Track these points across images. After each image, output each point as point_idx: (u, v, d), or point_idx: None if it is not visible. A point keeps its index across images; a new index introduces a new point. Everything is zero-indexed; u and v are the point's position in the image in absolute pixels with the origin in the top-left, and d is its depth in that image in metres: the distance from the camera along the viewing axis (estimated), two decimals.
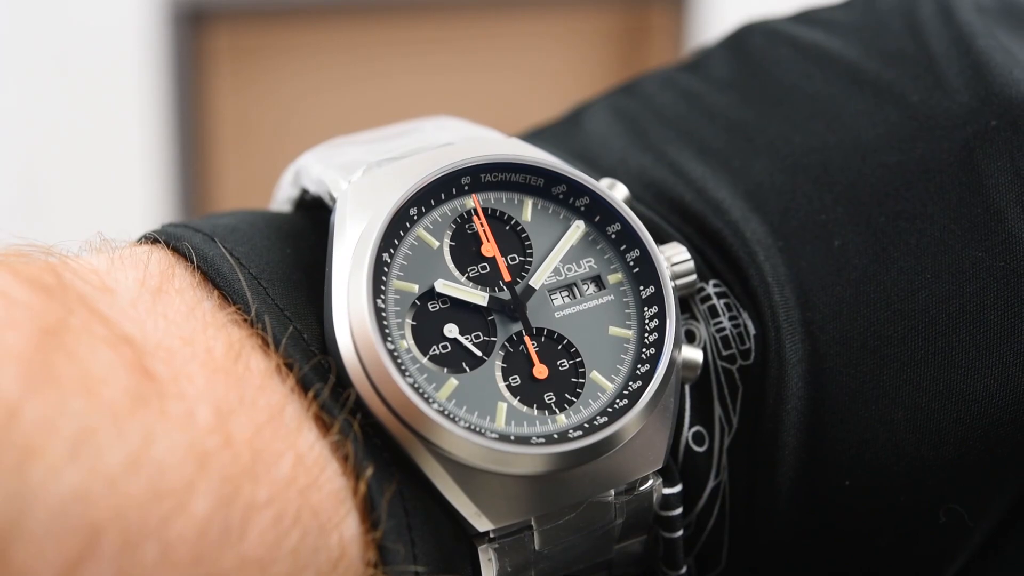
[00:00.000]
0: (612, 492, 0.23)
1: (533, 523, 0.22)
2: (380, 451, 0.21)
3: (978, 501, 0.23)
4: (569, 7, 0.91)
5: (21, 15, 0.90)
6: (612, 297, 0.24)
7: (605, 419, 0.22)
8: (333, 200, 0.23)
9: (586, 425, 0.22)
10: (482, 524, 0.22)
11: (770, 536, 0.24)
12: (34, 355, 0.18)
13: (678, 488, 0.24)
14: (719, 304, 0.24)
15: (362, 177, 0.23)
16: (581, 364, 0.23)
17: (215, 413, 0.20)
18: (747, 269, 0.24)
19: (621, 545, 0.23)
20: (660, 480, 0.23)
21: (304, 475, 0.20)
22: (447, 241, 0.23)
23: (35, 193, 0.93)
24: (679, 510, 0.24)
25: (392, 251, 0.23)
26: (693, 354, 0.24)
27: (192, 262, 0.22)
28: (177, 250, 0.23)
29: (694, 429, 0.24)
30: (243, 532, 0.19)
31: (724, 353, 0.25)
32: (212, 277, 0.22)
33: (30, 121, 0.92)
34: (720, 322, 0.25)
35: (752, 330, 0.24)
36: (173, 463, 0.19)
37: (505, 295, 0.23)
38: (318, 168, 0.24)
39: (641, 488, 0.23)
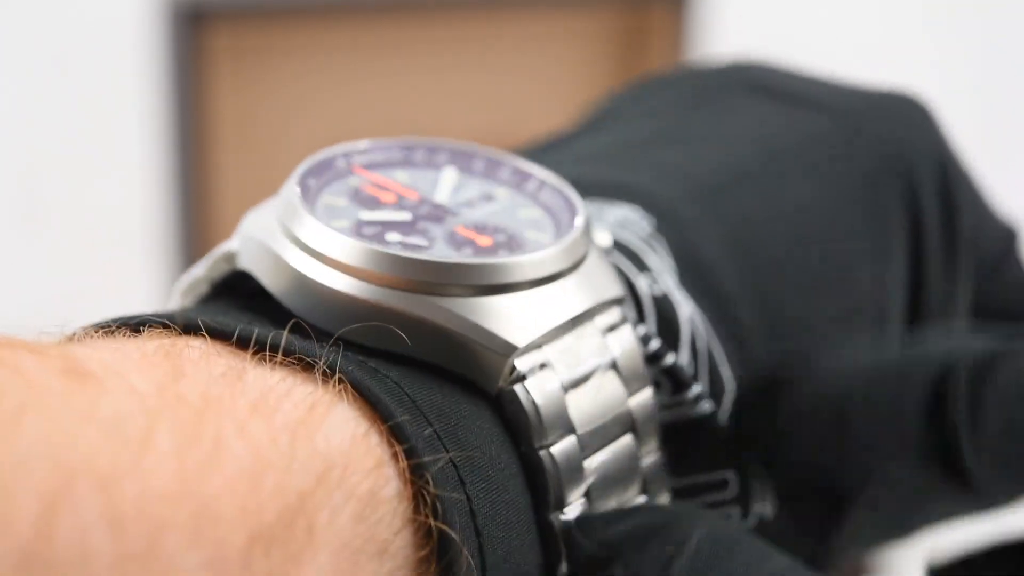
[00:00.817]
0: (595, 326, 0.23)
1: (548, 348, 0.22)
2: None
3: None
4: (569, 7, 0.91)
5: (20, 14, 0.91)
6: (511, 194, 0.25)
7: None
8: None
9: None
10: (511, 343, 0.21)
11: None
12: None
13: (649, 326, 0.24)
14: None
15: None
16: (517, 234, 0.24)
17: (158, 385, 0.19)
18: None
19: (632, 399, 0.23)
20: (626, 319, 0.23)
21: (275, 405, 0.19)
22: (350, 199, 0.24)
23: (34, 192, 0.93)
24: (657, 342, 0.24)
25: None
26: (602, 237, 0.25)
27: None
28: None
29: (643, 276, 0.25)
30: (219, 460, 0.18)
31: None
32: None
33: (29, 120, 0.92)
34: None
35: None
36: (127, 416, 0.18)
37: (425, 207, 0.24)
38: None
39: (617, 328, 0.23)
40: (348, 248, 0.22)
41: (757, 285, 0.25)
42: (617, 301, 0.23)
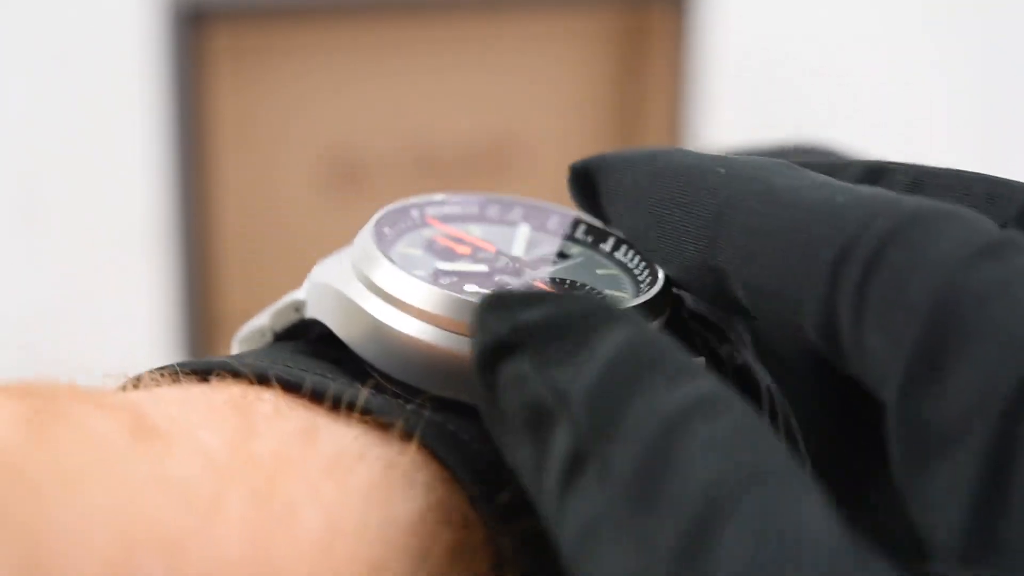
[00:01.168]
0: None
1: None
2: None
3: None
4: (569, 7, 0.91)
5: (20, 14, 0.90)
6: (587, 252, 0.25)
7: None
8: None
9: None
10: None
11: None
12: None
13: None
14: None
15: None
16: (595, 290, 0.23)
17: (228, 443, 0.18)
18: None
19: None
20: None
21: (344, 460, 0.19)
22: (425, 249, 0.24)
23: (34, 191, 0.93)
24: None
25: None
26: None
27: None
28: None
29: (725, 346, 0.24)
30: (291, 527, 0.17)
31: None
32: None
33: (29, 120, 0.92)
34: None
35: None
36: (196, 479, 0.17)
37: (502, 261, 0.24)
38: None
39: None
40: (428, 295, 0.22)
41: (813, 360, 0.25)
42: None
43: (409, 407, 0.20)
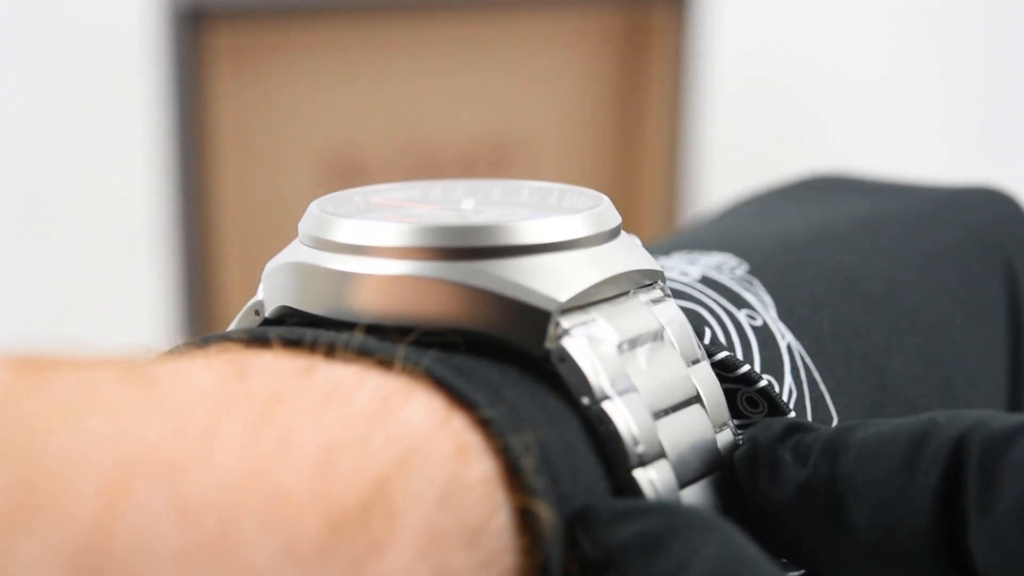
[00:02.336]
0: (639, 298, 0.22)
1: (594, 311, 0.21)
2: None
3: None
4: (569, 7, 0.91)
5: (19, 14, 0.91)
6: (535, 209, 0.25)
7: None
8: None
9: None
10: (553, 297, 0.21)
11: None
12: None
13: (745, 353, 0.23)
14: None
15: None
16: None
17: (222, 381, 0.19)
18: None
19: (691, 369, 0.22)
20: (668, 296, 0.23)
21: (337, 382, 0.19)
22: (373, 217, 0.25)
23: (34, 192, 0.93)
24: (747, 366, 0.23)
25: None
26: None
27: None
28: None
29: (744, 311, 0.24)
30: (290, 448, 0.18)
31: None
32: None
33: (28, 120, 0.92)
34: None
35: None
36: (191, 410, 0.18)
37: (449, 208, 0.25)
38: None
39: (661, 301, 0.23)
40: (383, 231, 0.22)
41: (846, 328, 0.25)
42: (658, 275, 0.23)
43: (403, 344, 0.21)
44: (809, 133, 1.10)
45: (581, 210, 0.23)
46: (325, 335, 0.21)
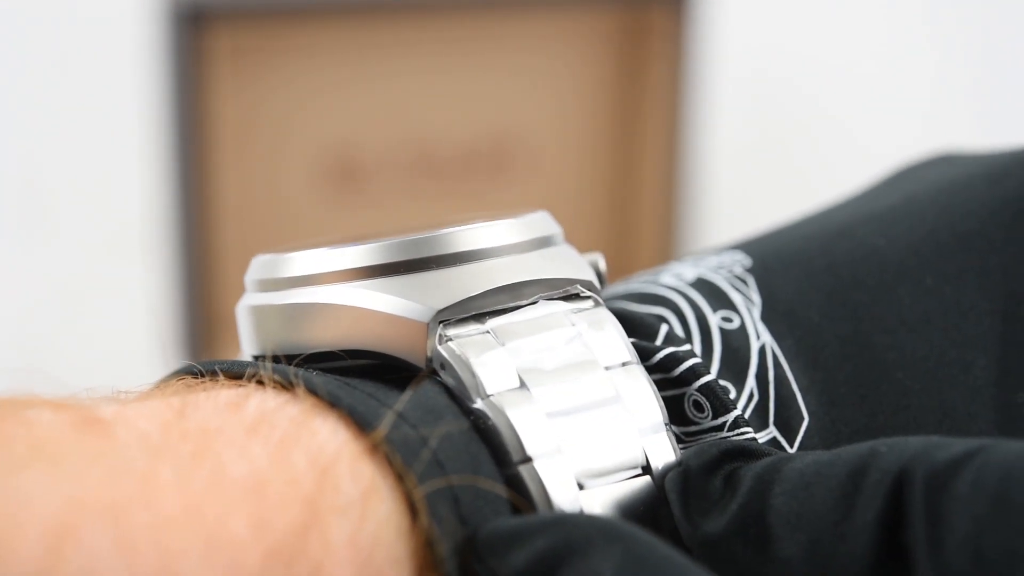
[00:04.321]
0: (560, 303, 0.22)
1: (492, 320, 0.21)
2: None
3: None
4: (569, 7, 0.91)
5: (19, 14, 0.90)
6: None
7: None
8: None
9: None
10: (429, 306, 0.21)
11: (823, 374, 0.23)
12: None
13: (697, 349, 0.23)
14: None
15: None
16: None
17: (160, 426, 0.20)
18: None
19: (603, 358, 0.22)
20: (598, 303, 0.22)
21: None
22: None
23: (33, 192, 0.93)
24: (695, 360, 0.22)
25: None
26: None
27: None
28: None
29: (720, 312, 0.24)
30: (221, 483, 0.18)
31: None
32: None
33: (28, 120, 0.92)
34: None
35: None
36: (131, 456, 0.18)
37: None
38: None
39: (586, 311, 0.22)
40: (292, 263, 0.23)
41: (845, 321, 0.24)
42: (582, 283, 0.23)
43: (299, 369, 0.21)
44: (809, 133, 1.10)
45: (495, 222, 0.23)
46: (257, 366, 0.21)
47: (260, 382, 0.21)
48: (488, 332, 0.21)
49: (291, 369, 0.21)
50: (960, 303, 0.24)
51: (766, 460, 0.20)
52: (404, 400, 0.20)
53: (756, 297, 0.24)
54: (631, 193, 0.96)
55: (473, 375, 0.21)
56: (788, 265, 0.25)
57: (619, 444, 0.21)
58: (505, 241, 0.23)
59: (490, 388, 0.21)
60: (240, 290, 0.25)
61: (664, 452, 0.21)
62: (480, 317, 0.22)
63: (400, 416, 0.20)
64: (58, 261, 0.94)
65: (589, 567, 0.17)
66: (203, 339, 0.85)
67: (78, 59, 0.92)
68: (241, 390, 0.21)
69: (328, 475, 0.19)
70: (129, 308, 0.95)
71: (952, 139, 1.16)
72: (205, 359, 0.24)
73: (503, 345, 0.21)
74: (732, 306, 0.24)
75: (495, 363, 0.21)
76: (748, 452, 0.21)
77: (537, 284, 0.22)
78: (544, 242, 0.23)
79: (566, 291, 0.23)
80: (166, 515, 0.17)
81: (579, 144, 0.95)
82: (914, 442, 0.19)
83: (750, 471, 0.20)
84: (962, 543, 0.17)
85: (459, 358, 0.21)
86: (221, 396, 0.21)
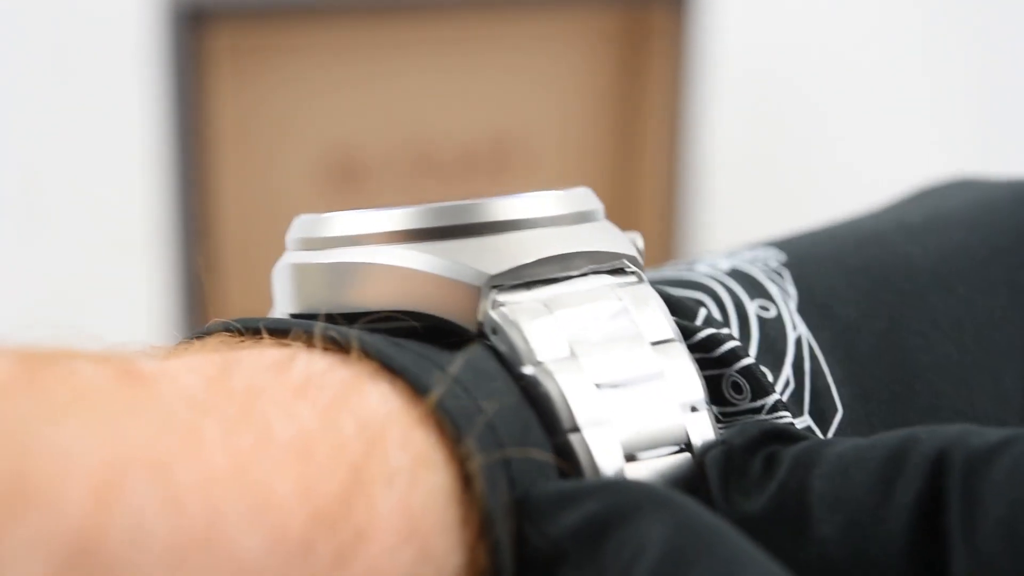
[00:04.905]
0: (606, 276, 0.22)
1: (540, 289, 0.22)
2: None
3: None
4: (569, 7, 0.91)
5: (18, 13, 0.90)
6: None
7: None
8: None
9: None
10: (482, 271, 0.21)
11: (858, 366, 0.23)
12: None
13: (735, 333, 0.23)
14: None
15: None
16: None
17: (205, 382, 0.19)
18: None
19: (649, 333, 0.22)
20: (642, 279, 0.23)
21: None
22: None
23: (33, 192, 0.93)
24: (734, 342, 0.23)
25: None
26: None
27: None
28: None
29: (757, 301, 0.24)
30: (267, 443, 0.18)
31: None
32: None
33: (27, 120, 0.92)
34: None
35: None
36: (174, 410, 0.18)
37: None
38: None
39: (631, 286, 0.22)
40: (337, 222, 0.23)
41: (879, 321, 0.24)
42: (627, 258, 0.23)
43: (359, 331, 0.21)
44: (809, 134, 1.10)
45: (541, 192, 0.23)
46: (304, 325, 0.21)
47: (306, 341, 0.21)
48: (538, 300, 0.22)
49: (347, 329, 0.21)
50: (992, 313, 0.25)
51: (805, 443, 0.20)
52: (457, 363, 0.20)
53: (792, 290, 0.25)
54: (631, 193, 0.96)
55: (525, 341, 0.21)
56: (823, 262, 0.25)
57: (663, 419, 0.21)
58: (554, 212, 0.23)
59: (541, 355, 0.21)
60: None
61: (704, 430, 0.21)
62: (530, 285, 0.22)
63: (455, 380, 0.20)
64: (57, 261, 0.94)
65: (638, 530, 0.18)
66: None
67: (78, 59, 0.92)
68: (287, 350, 0.21)
69: (377, 441, 0.19)
70: (129, 308, 0.95)
71: (953, 138, 1.17)
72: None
73: (552, 314, 0.21)
74: (769, 296, 0.24)
75: (546, 331, 0.21)
76: (788, 435, 0.21)
77: (585, 256, 0.22)
78: (589, 216, 0.24)
79: (612, 265, 0.23)
80: (212, 473, 0.17)
81: (579, 144, 0.95)
82: (952, 429, 0.19)
83: (790, 453, 0.20)
84: (996, 526, 0.17)
85: (512, 323, 0.21)
86: (267, 355, 0.20)
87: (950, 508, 0.18)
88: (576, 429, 0.20)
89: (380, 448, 0.19)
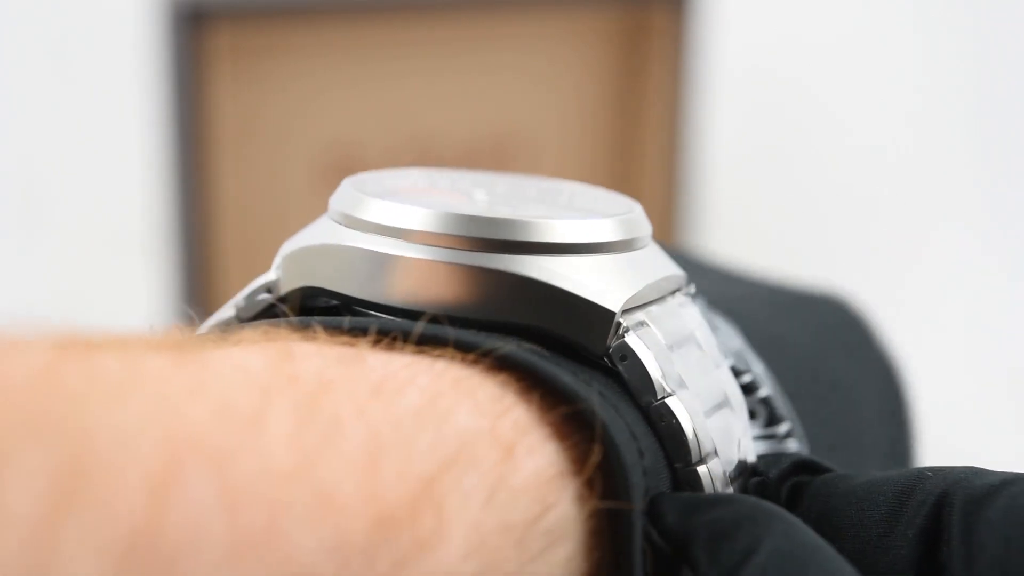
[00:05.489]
0: (675, 300, 0.23)
1: (641, 313, 0.22)
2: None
3: None
4: (569, 7, 0.91)
5: (18, 13, 0.90)
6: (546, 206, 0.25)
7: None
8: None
9: None
10: (616, 296, 0.21)
11: None
12: None
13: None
14: None
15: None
16: None
17: (268, 363, 0.18)
18: None
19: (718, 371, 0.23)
20: (694, 300, 0.23)
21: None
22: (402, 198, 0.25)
23: (32, 193, 0.93)
24: (750, 375, 0.24)
25: None
26: None
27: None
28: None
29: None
30: (337, 442, 0.17)
31: None
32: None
33: (27, 120, 0.92)
34: None
35: None
36: (237, 393, 0.17)
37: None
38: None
39: (688, 306, 0.23)
40: (430, 217, 0.21)
41: (795, 368, 0.27)
42: (685, 280, 0.24)
43: (460, 331, 0.20)
44: (809, 132, 1.10)
45: (620, 213, 0.23)
46: (371, 323, 0.20)
47: (380, 337, 0.20)
48: (652, 328, 0.22)
49: (455, 330, 0.20)
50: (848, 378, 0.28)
51: (826, 476, 0.22)
52: (599, 383, 0.21)
53: (730, 328, 0.26)
54: (631, 193, 0.96)
55: (656, 370, 0.21)
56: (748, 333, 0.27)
57: (739, 448, 0.22)
58: (639, 233, 0.23)
59: (668, 387, 0.21)
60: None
61: (752, 457, 0.23)
62: (635, 309, 0.22)
63: (612, 404, 0.20)
64: (56, 260, 0.94)
65: (751, 534, 0.19)
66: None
67: (78, 58, 0.92)
68: (352, 347, 0.20)
69: (457, 457, 0.18)
70: (129, 308, 0.95)
71: (952, 137, 1.16)
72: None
73: (665, 344, 0.22)
74: (719, 328, 0.26)
75: (666, 360, 0.21)
76: (814, 467, 0.22)
77: (673, 279, 0.23)
78: (650, 236, 0.24)
79: (681, 285, 0.24)
80: (275, 468, 0.16)
81: (579, 144, 0.95)
82: (958, 469, 0.21)
83: (813, 484, 0.22)
84: (991, 562, 0.19)
85: (645, 353, 0.21)
86: (330, 349, 0.20)
87: (949, 543, 0.20)
88: (702, 461, 0.21)
89: (459, 466, 0.18)
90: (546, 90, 0.93)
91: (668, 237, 0.94)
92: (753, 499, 0.20)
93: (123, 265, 0.95)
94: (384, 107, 0.89)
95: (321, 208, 0.25)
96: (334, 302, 0.23)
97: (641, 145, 0.95)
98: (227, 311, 0.24)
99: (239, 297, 0.24)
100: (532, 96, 0.93)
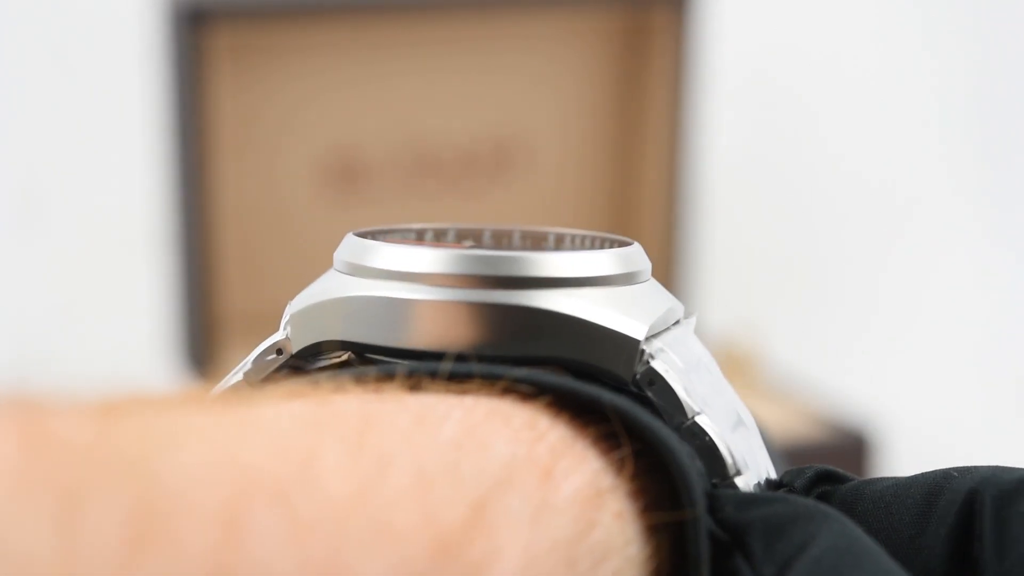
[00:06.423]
0: (681, 324, 0.24)
1: (658, 340, 0.22)
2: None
3: None
4: (569, 7, 0.91)
5: (19, 13, 0.91)
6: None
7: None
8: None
9: None
10: (639, 325, 0.22)
11: None
12: None
13: None
14: None
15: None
16: None
17: (311, 403, 0.19)
18: None
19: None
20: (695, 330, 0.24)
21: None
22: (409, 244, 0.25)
23: (32, 193, 0.93)
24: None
25: None
26: None
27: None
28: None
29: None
30: (387, 473, 0.18)
31: None
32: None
33: (26, 120, 0.92)
34: None
35: None
36: (286, 431, 0.18)
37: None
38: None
39: (689, 335, 0.24)
40: (444, 258, 0.22)
41: None
42: (684, 310, 0.24)
43: (485, 366, 0.21)
44: (810, 134, 1.10)
45: (624, 248, 0.24)
46: (397, 367, 0.21)
47: (412, 380, 0.21)
48: (668, 352, 0.22)
49: (504, 369, 0.21)
50: None
51: (850, 484, 0.22)
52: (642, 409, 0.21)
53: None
54: (631, 194, 0.96)
55: (686, 393, 0.22)
56: None
57: (760, 462, 0.23)
58: (645, 265, 0.24)
59: (697, 407, 0.22)
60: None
61: (773, 472, 0.23)
62: (657, 335, 0.23)
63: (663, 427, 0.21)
64: (57, 261, 0.94)
65: (806, 530, 0.20)
66: (204, 339, 0.84)
67: (79, 59, 0.92)
68: (388, 391, 0.20)
69: (500, 482, 0.19)
70: (129, 308, 0.95)
71: (952, 142, 1.17)
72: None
73: (684, 368, 0.22)
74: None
75: (691, 384, 0.22)
76: (837, 476, 0.23)
77: (675, 310, 0.24)
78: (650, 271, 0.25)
79: (683, 315, 0.24)
80: (333, 501, 0.17)
81: (579, 145, 0.95)
82: (983, 468, 0.21)
83: (836, 493, 0.22)
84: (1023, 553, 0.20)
85: (671, 377, 0.22)
86: (368, 391, 0.20)
87: (981, 537, 0.20)
88: (739, 474, 0.22)
89: (503, 489, 0.19)
90: (546, 91, 0.93)
91: (669, 237, 0.94)
92: (808, 500, 0.21)
93: (123, 265, 0.95)
94: (384, 107, 0.89)
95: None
96: (343, 358, 0.23)
97: (641, 146, 0.95)
98: (235, 376, 0.24)
99: (247, 361, 0.24)
100: (533, 97, 0.93)
